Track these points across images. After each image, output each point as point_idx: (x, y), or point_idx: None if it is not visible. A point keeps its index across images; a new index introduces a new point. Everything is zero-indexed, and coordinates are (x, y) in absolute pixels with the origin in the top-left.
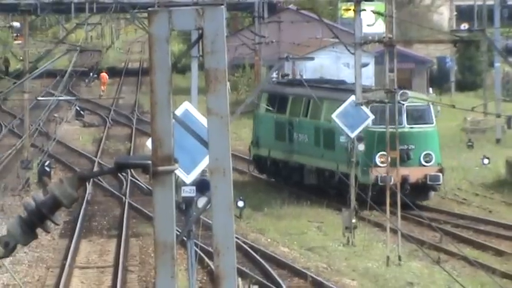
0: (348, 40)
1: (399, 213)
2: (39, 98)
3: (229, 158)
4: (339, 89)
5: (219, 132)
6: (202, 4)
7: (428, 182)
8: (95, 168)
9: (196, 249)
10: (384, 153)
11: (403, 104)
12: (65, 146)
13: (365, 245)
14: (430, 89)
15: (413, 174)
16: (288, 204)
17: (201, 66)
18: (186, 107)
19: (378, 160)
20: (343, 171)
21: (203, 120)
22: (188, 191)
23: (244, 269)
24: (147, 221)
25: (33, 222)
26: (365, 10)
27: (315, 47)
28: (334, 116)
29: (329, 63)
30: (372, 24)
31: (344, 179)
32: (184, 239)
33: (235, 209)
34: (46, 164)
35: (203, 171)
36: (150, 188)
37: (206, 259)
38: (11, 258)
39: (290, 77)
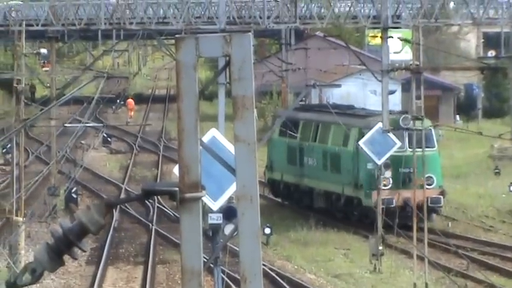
0: (375, 67)
1: (426, 241)
2: (66, 125)
3: (256, 184)
4: (346, 113)
5: (247, 159)
6: (229, 31)
7: (430, 205)
8: (122, 195)
9: (223, 276)
10: (387, 176)
11: (406, 128)
12: (92, 172)
13: (392, 272)
14: (457, 116)
15: (415, 197)
16: (315, 231)
17: (228, 93)
18: (213, 134)
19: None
20: (348, 194)
21: (230, 147)
22: (215, 218)
23: None
24: (174, 248)
25: (60, 249)
26: (392, 37)
27: (342, 74)
28: (361, 143)
29: (356, 90)
30: (399, 51)
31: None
32: (211, 266)
33: (262, 236)
34: (73, 190)
35: (230, 198)
36: (177, 215)
37: (233, 286)
38: (38, 285)
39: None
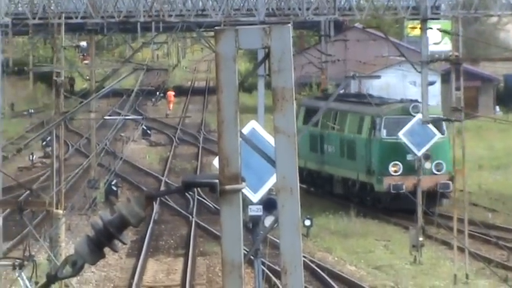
0: (414, 58)
1: (466, 232)
2: (106, 117)
3: (296, 176)
4: (361, 102)
5: (286, 151)
6: (268, 23)
7: (439, 190)
8: (162, 188)
9: (264, 268)
10: (397, 162)
11: (414, 116)
12: (132, 165)
13: (432, 264)
14: (497, 107)
15: (425, 182)
16: (355, 222)
17: (268, 85)
18: (253, 126)
19: (390, 169)
20: (362, 180)
21: (270, 139)
22: (255, 210)
23: (311, 287)
24: (214, 240)
25: (101, 242)
26: (431, 28)
27: (381, 66)
28: (401, 134)
29: (395, 82)
30: (438, 42)
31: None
32: (252, 258)
33: (302, 228)
34: (113, 183)
35: (270, 190)
36: (217, 207)
37: (273, 278)
38: (79, 277)
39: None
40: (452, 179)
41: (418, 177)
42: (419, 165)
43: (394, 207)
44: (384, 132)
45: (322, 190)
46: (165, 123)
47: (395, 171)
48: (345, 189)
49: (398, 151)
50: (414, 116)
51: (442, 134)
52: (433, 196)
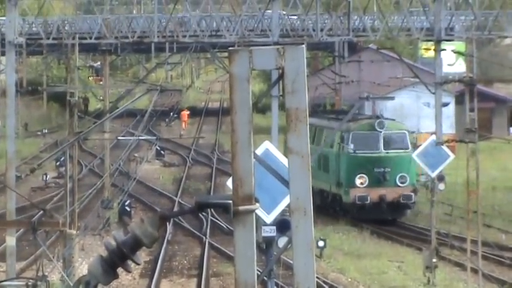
0: (428, 80)
1: (480, 253)
2: (120, 138)
3: (310, 197)
4: (336, 118)
5: (300, 172)
6: (282, 44)
7: (402, 201)
8: (176, 208)
9: None
10: (363, 175)
11: (380, 132)
12: (146, 185)
13: (446, 285)
14: (511, 128)
15: (390, 194)
16: (368, 243)
17: (282, 106)
18: (267, 147)
19: (357, 181)
20: (333, 191)
21: (284, 160)
22: (269, 231)
23: None
24: (228, 261)
25: (114, 262)
26: (445, 50)
27: (396, 87)
28: (414, 155)
29: (409, 103)
30: (452, 63)
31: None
32: (265, 278)
33: (315, 249)
34: (126, 203)
35: (283, 211)
36: (230, 227)
37: None
38: None
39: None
40: (415, 191)
41: (432, 198)
42: (433, 186)
43: (360, 218)
44: (351, 146)
45: None
46: (178, 144)
47: (362, 183)
48: (322, 200)
49: (365, 164)
50: (380, 132)
51: (406, 148)
52: (396, 206)
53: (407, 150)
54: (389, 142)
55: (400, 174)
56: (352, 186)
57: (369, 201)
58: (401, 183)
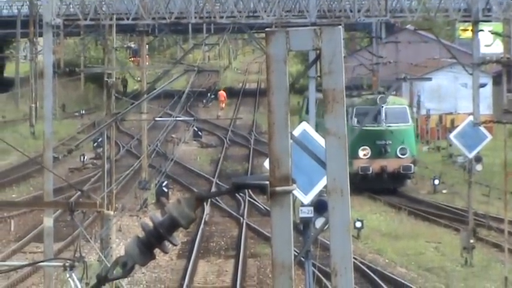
0: (465, 60)
1: None
2: (157, 119)
3: (347, 178)
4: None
5: (337, 153)
6: (320, 24)
7: (402, 172)
8: (213, 189)
9: (314, 269)
10: (366, 147)
11: (382, 107)
12: (183, 166)
13: (483, 266)
14: None
15: (390, 165)
16: (406, 224)
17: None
18: (304, 128)
19: (360, 153)
20: None
21: (321, 141)
22: (306, 212)
23: None
24: (265, 242)
25: (151, 243)
26: (483, 30)
27: (433, 68)
28: (451, 136)
29: (447, 84)
30: (489, 44)
31: None
32: (302, 259)
33: (352, 229)
34: (164, 184)
35: (321, 192)
36: (267, 208)
37: (324, 280)
38: (129, 279)
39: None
40: (414, 162)
41: (469, 179)
42: (471, 167)
43: (362, 187)
44: (354, 120)
45: None
46: (216, 125)
47: (365, 155)
48: None
49: (367, 137)
50: (382, 107)
51: (407, 122)
52: (397, 177)
53: (407, 124)
54: (391, 116)
55: (401, 147)
56: (356, 158)
57: (371, 172)
58: (402, 154)
